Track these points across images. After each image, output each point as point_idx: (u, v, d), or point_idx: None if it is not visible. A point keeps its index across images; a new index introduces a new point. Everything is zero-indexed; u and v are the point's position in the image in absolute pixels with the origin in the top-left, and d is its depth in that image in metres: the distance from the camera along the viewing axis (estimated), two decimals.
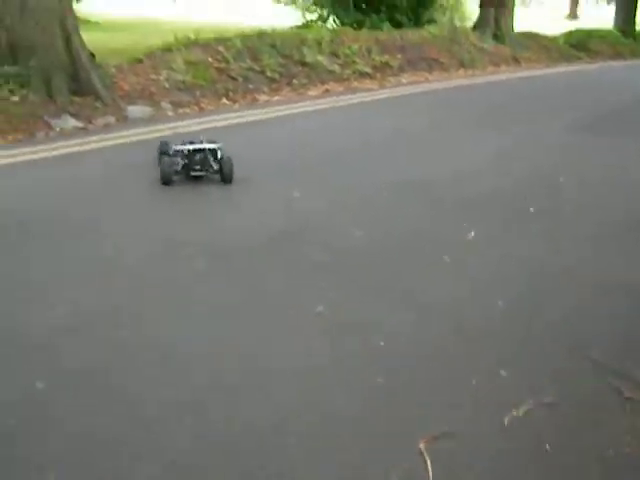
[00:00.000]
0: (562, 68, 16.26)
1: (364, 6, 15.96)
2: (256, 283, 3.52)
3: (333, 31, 12.26)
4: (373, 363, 2.78)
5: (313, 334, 3.00)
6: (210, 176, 5.33)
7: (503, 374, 2.75)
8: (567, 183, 5.79)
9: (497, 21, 16.86)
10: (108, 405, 2.43)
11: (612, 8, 29.12)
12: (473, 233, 4.40)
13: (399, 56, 12.41)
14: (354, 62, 11.32)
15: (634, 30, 25.56)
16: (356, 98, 9.69)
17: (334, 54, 11.24)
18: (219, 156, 5.38)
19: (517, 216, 4.84)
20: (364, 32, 12.94)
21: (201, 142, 5.48)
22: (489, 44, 15.67)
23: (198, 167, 5.32)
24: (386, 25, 14.47)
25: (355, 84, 10.60)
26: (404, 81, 11.65)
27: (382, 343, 2.94)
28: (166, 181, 5.19)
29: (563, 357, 2.92)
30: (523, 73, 14.46)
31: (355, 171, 5.84)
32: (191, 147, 5.37)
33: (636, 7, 26.20)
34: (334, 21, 16.00)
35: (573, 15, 57.63)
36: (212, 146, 5.41)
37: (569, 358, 2.91)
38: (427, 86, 11.40)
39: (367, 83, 10.90)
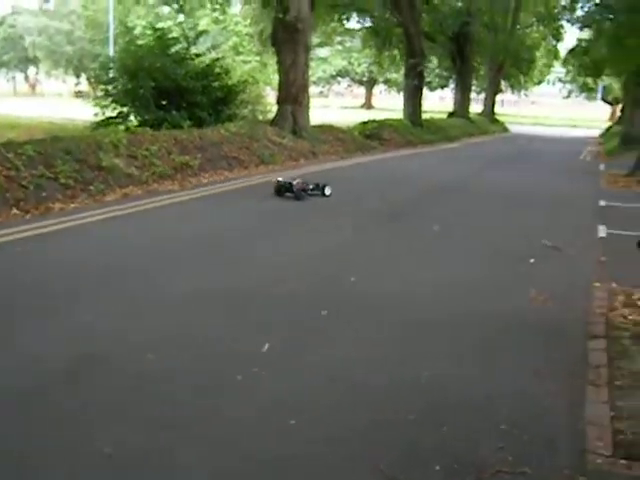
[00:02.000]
0: (357, 159, 17.23)
1: (164, 103, 16.09)
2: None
3: (131, 132, 12.20)
4: None
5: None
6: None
7: None
8: (358, 282, 6.09)
9: (294, 116, 17.64)
10: None
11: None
12: (267, 345, 4.49)
13: (199, 155, 12.55)
14: (153, 164, 11.27)
15: (421, 119, 27.76)
16: (154, 202, 9.63)
17: (132, 156, 11.13)
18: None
19: (311, 321, 5.01)
20: (163, 132, 13.00)
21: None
22: (288, 139, 16.33)
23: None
24: (187, 123, 14.65)
25: (155, 186, 10.54)
26: (205, 181, 11.79)
27: None
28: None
29: (354, 470, 3.05)
30: (320, 167, 15.15)
31: (147, 284, 5.78)
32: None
33: (421, 97, 28.55)
34: (135, 118, 15.97)
35: (368, 105, 61.67)
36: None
37: (360, 471, 3.05)
38: (227, 185, 11.60)
39: (167, 185, 10.88)
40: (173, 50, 16.69)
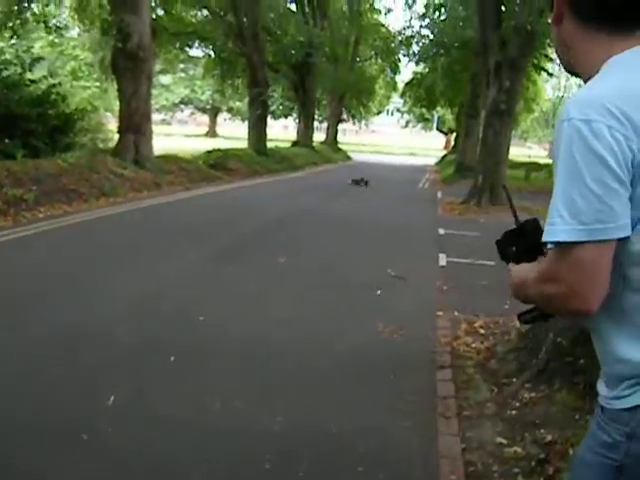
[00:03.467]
0: (202, 190, 17.01)
1: None
2: None
3: None
4: None
5: None
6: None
7: None
8: (207, 322, 5.91)
9: (137, 146, 17.20)
10: None
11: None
12: (113, 398, 4.21)
13: (34, 188, 11.83)
14: None
15: (266, 148, 27.94)
16: None
17: None
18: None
19: (158, 368, 4.77)
20: None
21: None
22: (130, 170, 15.85)
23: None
24: (21, 152, 13.85)
25: None
26: (41, 215, 11.08)
27: None
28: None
29: None
30: (164, 198, 14.80)
31: None
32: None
33: (266, 127, 28.77)
34: None
35: (212, 133, 61.43)
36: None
37: None
38: (66, 220, 11.02)
39: None
40: (5, 74, 15.82)
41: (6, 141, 14.66)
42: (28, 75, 16.74)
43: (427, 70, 33.31)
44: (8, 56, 18.16)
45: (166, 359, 4.93)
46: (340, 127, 50.71)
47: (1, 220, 10.28)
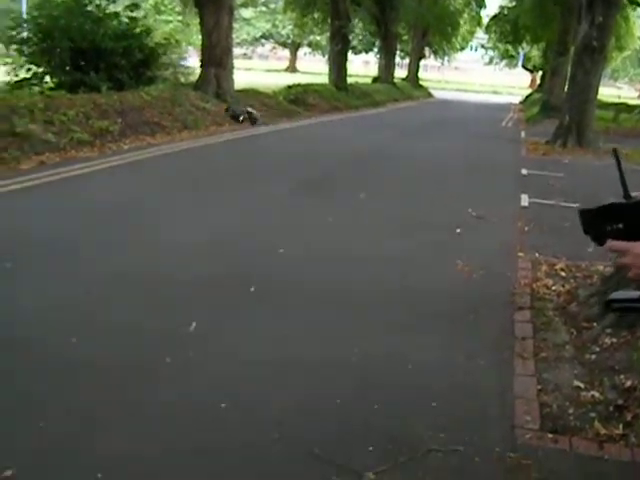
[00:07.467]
0: (283, 125, 17.01)
1: (82, 64, 15.44)
2: None
3: (47, 96, 11.61)
4: None
5: None
6: None
7: None
8: (287, 254, 5.98)
9: (218, 80, 17.26)
10: None
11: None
12: (194, 324, 4.33)
13: (119, 120, 12.08)
14: (71, 130, 10.74)
15: (346, 84, 27.61)
16: (73, 171, 9.21)
17: (49, 122, 10.56)
18: None
19: (238, 299, 4.87)
20: (81, 96, 12.46)
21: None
22: (211, 104, 15.96)
23: None
24: (105, 85, 14.10)
25: (73, 153, 10.08)
26: (125, 147, 11.34)
27: None
28: None
29: (290, 455, 2.98)
30: (244, 132, 14.88)
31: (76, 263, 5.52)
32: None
33: (346, 62, 28.39)
34: (51, 79, 15.26)
35: (292, 68, 61.03)
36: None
37: (295, 456, 2.99)
38: (150, 152, 11.26)
39: (86, 151, 10.42)
40: (90, 8, 15.98)
41: (92, 74, 14.91)
42: (111, 8, 16.83)
43: (514, 4, 32.05)
44: None
45: (246, 290, 5.03)
46: (422, 63, 49.60)
47: (88, 151, 10.58)
